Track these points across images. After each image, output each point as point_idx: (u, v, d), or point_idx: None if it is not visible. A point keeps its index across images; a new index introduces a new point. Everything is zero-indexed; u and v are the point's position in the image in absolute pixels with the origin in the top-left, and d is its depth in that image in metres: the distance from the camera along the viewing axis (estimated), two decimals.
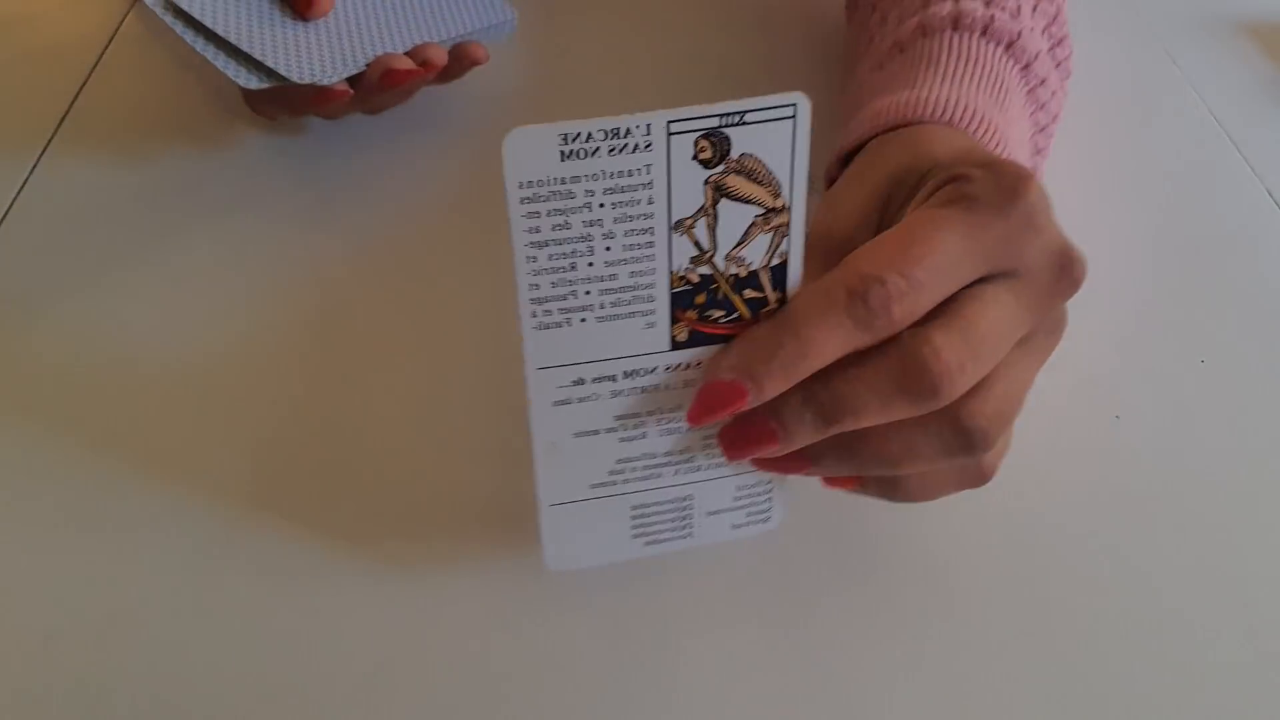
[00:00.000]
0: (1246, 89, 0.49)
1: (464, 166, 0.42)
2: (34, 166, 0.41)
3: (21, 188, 0.40)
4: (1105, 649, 0.29)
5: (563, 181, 0.22)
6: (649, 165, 0.22)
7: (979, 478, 0.26)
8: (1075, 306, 0.39)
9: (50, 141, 0.42)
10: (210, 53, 0.37)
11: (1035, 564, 0.30)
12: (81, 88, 0.45)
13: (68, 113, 0.44)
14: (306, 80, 0.37)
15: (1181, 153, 0.45)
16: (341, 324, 0.36)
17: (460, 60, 0.40)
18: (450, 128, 0.43)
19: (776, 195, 0.23)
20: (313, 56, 0.38)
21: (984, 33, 0.31)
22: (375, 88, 0.38)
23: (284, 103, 0.39)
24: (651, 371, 0.25)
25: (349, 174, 0.41)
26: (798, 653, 0.28)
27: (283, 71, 0.36)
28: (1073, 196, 0.42)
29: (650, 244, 0.23)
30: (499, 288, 0.37)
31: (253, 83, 0.36)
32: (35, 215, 0.39)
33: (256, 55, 0.37)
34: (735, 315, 0.24)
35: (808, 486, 0.28)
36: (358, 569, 0.30)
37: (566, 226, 0.23)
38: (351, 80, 0.38)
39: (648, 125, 0.22)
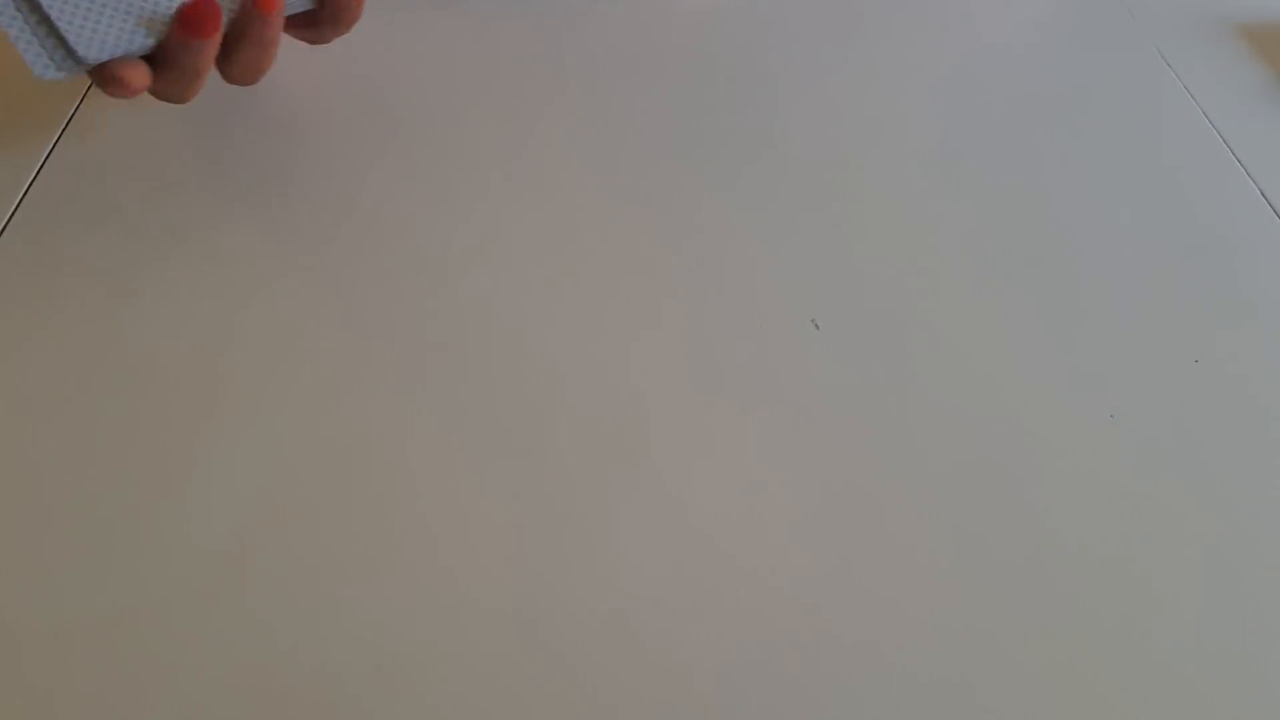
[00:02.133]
0: (1240, 91, 0.49)
1: (468, 157, 0.42)
2: (38, 168, 0.42)
3: (26, 189, 0.41)
4: (1101, 648, 0.29)
5: None
6: None
7: None
8: (1074, 305, 0.39)
9: (55, 143, 0.43)
10: (14, 32, 0.34)
11: (1031, 562, 0.31)
12: (87, 90, 0.45)
13: (73, 114, 0.44)
14: (93, 58, 0.35)
15: (1175, 154, 0.45)
16: (356, 321, 0.36)
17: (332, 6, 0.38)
18: (461, 123, 0.44)
19: None
20: (110, 27, 0.35)
21: None
22: (177, 37, 0.35)
23: (108, 90, 0.37)
24: None
25: (362, 165, 0.42)
26: None
27: (71, 42, 0.34)
28: (1069, 198, 0.43)
29: None
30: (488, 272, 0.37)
31: (49, 72, 0.34)
32: (39, 215, 0.40)
33: (60, 25, 0.34)
34: None
35: None
36: (365, 585, 0.30)
37: None
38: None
39: None
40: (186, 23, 0.35)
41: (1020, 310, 0.38)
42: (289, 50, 0.44)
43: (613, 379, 0.35)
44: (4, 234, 0.39)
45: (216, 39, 0.36)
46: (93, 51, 0.35)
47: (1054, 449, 0.34)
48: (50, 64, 0.35)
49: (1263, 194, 0.44)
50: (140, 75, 0.36)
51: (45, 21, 0.35)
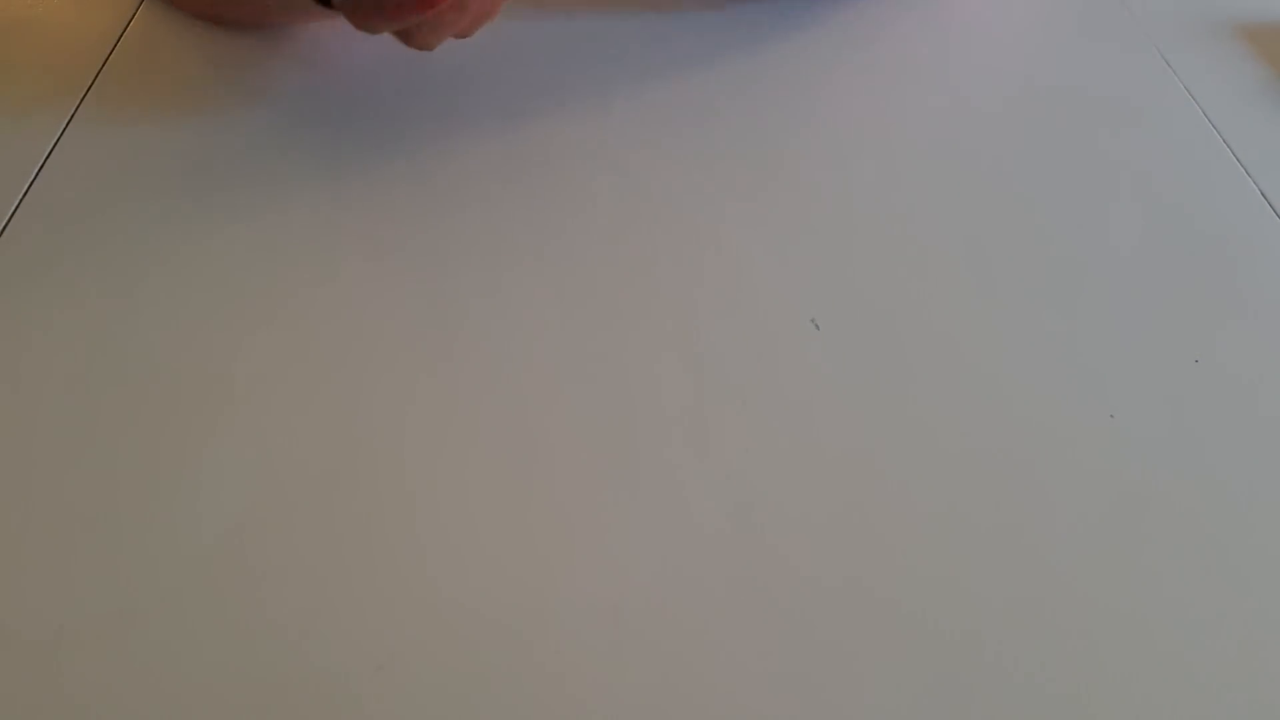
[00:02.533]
0: (1240, 90, 0.49)
1: (489, 146, 0.42)
2: (40, 166, 0.42)
3: (29, 187, 0.41)
4: (1101, 647, 0.29)
5: None
6: None
7: None
8: (1074, 305, 0.39)
9: (57, 142, 0.43)
10: None
11: (1031, 562, 0.31)
12: (87, 92, 0.45)
13: (75, 112, 0.44)
14: None
15: (1175, 154, 0.46)
16: (357, 323, 0.36)
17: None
18: (476, 112, 0.44)
19: None
20: None
21: None
22: None
23: (389, 10, 0.37)
24: None
25: (364, 167, 0.42)
26: None
27: None
28: (1068, 197, 0.43)
29: None
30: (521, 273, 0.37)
31: None
32: (41, 214, 0.40)
33: None
34: None
35: None
36: (366, 576, 0.30)
37: None
38: None
39: None
40: None
41: (1020, 310, 0.38)
42: (289, 53, 0.44)
43: (613, 380, 0.35)
44: (5, 233, 0.39)
45: None
46: None
47: (1054, 448, 0.34)
48: None
49: (1263, 194, 0.44)
50: None
51: None
